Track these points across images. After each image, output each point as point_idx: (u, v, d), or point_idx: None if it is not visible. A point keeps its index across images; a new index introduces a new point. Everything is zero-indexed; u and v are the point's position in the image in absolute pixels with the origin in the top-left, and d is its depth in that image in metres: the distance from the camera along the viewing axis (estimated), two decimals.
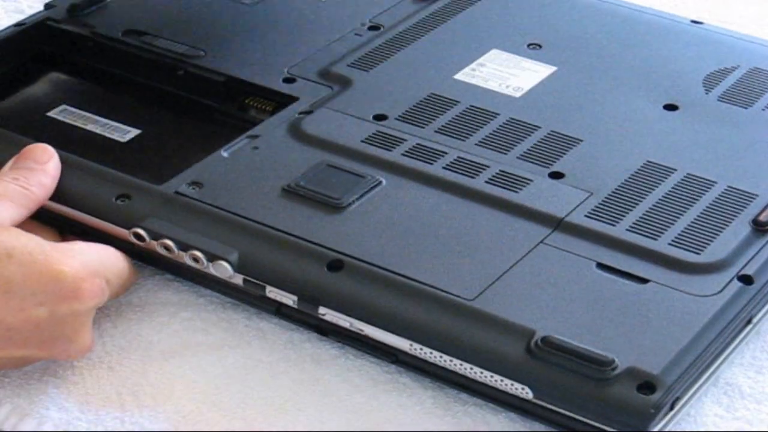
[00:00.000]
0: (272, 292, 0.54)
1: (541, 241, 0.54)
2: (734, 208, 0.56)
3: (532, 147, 0.60)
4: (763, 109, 0.63)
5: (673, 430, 0.50)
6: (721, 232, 0.55)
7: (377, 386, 0.53)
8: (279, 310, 0.55)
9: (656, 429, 0.48)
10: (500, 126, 0.61)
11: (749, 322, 0.53)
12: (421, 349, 0.51)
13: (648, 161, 0.59)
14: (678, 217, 0.56)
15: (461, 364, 0.51)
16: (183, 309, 0.56)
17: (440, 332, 0.51)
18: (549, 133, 0.61)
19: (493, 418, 0.51)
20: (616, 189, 0.57)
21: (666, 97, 0.64)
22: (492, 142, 0.60)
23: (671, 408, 0.49)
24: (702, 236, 0.55)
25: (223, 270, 0.54)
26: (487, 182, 0.57)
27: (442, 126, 0.61)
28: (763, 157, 0.59)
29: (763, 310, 0.53)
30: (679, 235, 0.55)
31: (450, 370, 0.51)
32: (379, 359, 0.53)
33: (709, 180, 0.58)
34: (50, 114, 0.64)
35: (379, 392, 0.52)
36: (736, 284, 0.52)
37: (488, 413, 0.51)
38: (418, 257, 0.53)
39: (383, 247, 0.54)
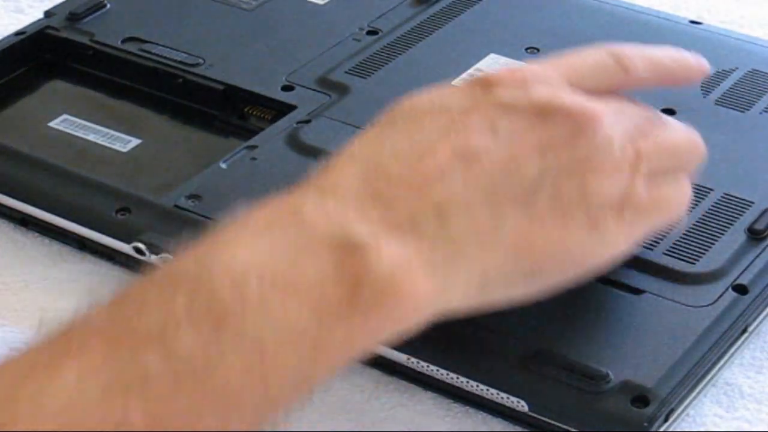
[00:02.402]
0: None
1: None
2: (730, 216, 0.56)
3: None
4: (761, 113, 0.63)
5: (672, 430, 0.50)
6: (716, 241, 0.55)
7: (378, 386, 0.53)
8: None
9: None
10: None
11: (744, 331, 0.53)
12: (417, 362, 0.52)
13: None
14: (673, 226, 0.56)
15: (458, 378, 0.51)
16: None
17: (437, 346, 0.51)
18: None
19: (493, 419, 0.52)
20: None
21: (664, 101, 0.64)
22: None
23: (665, 420, 0.49)
24: (697, 245, 0.55)
25: None
26: None
27: None
28: (759, 162, 0.60)
29: (758, 319, 0.54)
30: (675, 244, 0.55)
31: (447, 382, 0.52)
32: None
33: (705, 187, 0.58)
34: (51, 124, 0.65)
35: (379, 392, 0.53)
36: (731, 294, 0.53)
37: (489, 414, 0.52)
38: None
39: None
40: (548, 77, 0.47)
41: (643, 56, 0.51)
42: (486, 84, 0.47)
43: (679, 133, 0.50)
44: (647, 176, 0.47)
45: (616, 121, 0.47)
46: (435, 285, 0.43)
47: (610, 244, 0.47)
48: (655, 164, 0.48)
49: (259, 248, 0.42)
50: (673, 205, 0.49)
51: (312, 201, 0.44)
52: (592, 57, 0.50)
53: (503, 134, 0.45)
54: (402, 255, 0.42)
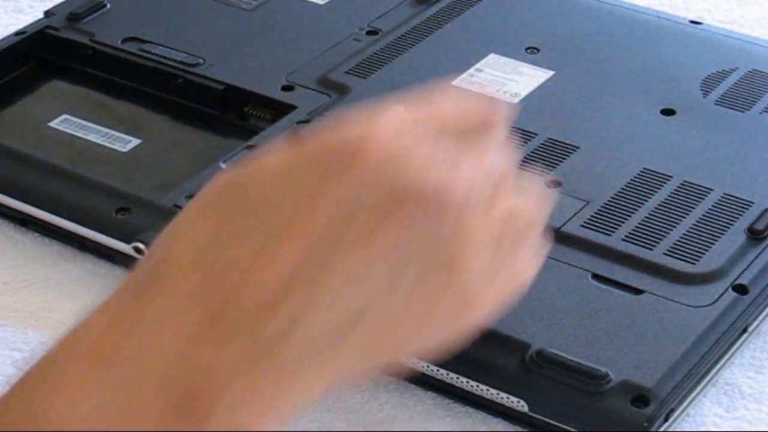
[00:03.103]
0: None
1: None
2: (730, 216, 0.56)
3: (529, 155, 0.60)
4: (760, 113, 0.63)
5: (672, 430, 0.50)
6: (716, 241, 0.55)
7: (378, 386, 0.53)
8: None
9: None
10: None
11: (744, 331, 0.53)
12: (418, 362, 0.52)
13: (644, 168, 0.59)
14: (673, 227, 0.56)
15: (458, 378, 0.51)
16: None
17: None
18: (546, 141, 0.61)
19: (493, 419, 0.52)
20: (612, 198, 0.57)
21: (663, 101, 0.64)
22: None
23: (666, 420, 0.49)
24: (697, 246, 0.55)
25: None
26: None
27: None
28: (759, 162, 0.60)
29: (758, 319, 0.54)
30: (675, 244, 0.55)
31: (447, 382, 0.52)
32: None
33: (705, 187, 0.58)
34: (51, 124, 0.65)
35: (379, 392, 0.53)
36: (731, 294, 0.53)
37: (489, 414, 0.52)
38: None
39: None
40: (412, 131, 0.42)
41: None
42: (337, 161, 0.40)
43: (528, 202, 0.45)
44: (506, 245, 0.43)
45: (473, 187, 0.41)
46: (282, 409, 0.39)
47: (478, 315, 0.43)
48: (509, 234, 0.43)
49: (84, 399, 0.37)
50: (527, 270, 0.45)
51: (143, 329, 0.38)
52: (456, 101, 0.44)
53: (354, 232, 0.39)
54: (246, 391, 0.38)
